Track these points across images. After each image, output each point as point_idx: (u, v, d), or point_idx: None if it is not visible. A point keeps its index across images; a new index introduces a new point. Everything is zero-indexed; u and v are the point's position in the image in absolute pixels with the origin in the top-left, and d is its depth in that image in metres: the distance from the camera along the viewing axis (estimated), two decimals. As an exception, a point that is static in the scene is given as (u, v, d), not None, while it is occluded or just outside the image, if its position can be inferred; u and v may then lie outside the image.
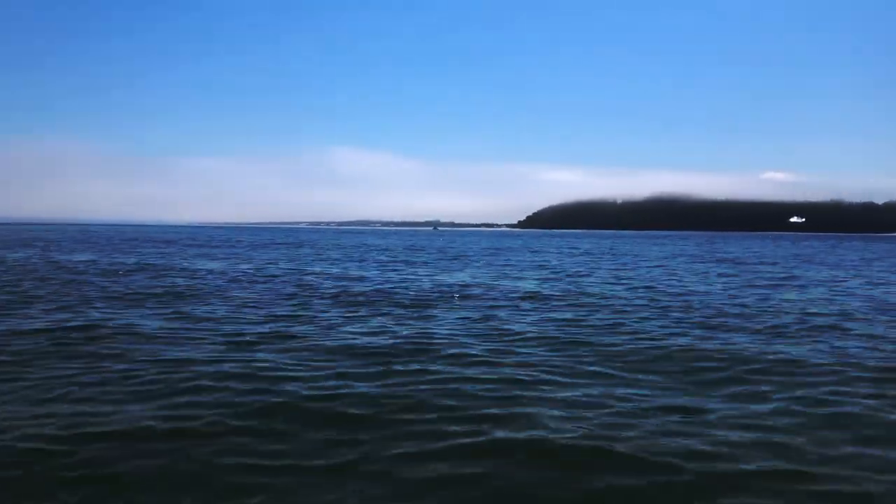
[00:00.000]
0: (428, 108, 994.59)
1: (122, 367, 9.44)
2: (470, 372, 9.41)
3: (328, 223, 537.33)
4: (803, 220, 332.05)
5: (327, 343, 11.45)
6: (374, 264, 35.17)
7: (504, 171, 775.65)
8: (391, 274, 28.12)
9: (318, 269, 30.79)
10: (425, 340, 11.81)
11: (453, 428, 6.96)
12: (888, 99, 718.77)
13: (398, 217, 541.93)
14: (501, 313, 15.65)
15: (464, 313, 15.62)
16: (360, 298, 18.65)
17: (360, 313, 15.53)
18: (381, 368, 9.57)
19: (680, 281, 25.88)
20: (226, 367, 9.46)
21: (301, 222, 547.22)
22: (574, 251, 57.74)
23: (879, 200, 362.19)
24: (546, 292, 20.70)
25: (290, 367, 9.56)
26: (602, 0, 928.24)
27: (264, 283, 23.11)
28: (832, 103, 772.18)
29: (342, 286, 22.15)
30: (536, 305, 17.40)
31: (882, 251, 64.14)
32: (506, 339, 12.17)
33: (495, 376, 9.17)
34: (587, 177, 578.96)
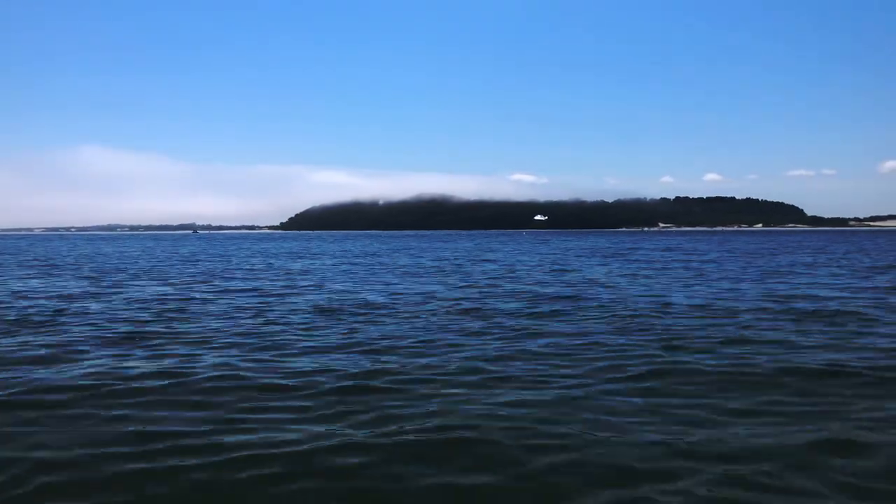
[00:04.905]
0: (189, 108, 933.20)
1: None
2: None
3: (68, 229, 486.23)
4: (546, 218, 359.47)
5: None
6: None
7: (268, 172, 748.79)
8: None
9: None
10: None
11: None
12: (618, 109, 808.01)
13: (151, 221, 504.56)
14: None
15: None
16: None
17: None
18: None
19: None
20: None
21: (35, 228, 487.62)
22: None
23: (610, 199, 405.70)
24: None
25: None
26: (363, 5, 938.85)
27: None
28: (578, 110, 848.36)
29: None
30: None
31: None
32: None
33: None
34: (352, 178, 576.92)
